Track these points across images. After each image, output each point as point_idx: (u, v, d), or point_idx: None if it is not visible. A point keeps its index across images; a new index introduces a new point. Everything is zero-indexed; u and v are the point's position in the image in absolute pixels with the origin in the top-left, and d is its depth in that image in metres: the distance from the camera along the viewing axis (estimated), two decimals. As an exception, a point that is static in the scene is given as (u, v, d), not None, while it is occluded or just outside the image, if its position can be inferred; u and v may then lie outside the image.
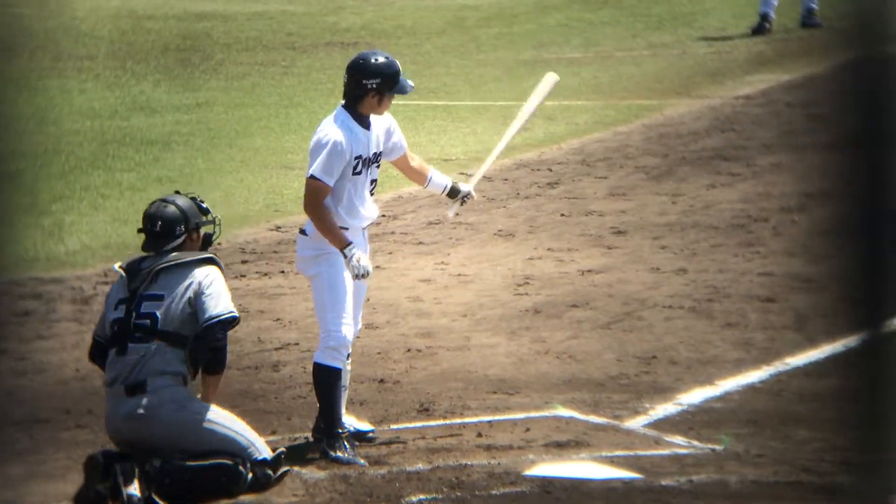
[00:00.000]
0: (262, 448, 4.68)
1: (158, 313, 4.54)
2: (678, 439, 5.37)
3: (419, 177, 5.33)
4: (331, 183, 5.09)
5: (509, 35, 14.20)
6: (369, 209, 5.21)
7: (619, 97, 11.71)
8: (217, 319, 4.55)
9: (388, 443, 5.32)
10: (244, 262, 7.93)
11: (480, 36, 14.22)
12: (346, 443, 5.12)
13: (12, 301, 7.20)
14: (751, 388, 5.90)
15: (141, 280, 4.58)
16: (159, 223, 4.66)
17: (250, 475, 4.60)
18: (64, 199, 8.99)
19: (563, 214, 8.67)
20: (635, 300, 7.02)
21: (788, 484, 4.95)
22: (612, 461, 5.15)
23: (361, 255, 5.05)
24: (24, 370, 6.06)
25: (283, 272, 7.71)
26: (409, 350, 6.31)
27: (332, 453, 5.12)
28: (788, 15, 13.96)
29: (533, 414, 5.57)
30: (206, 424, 4.54)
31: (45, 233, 8.44)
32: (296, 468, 5.02)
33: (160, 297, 4.56)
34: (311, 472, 5.02)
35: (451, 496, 4.84)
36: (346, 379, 5.26)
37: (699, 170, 9.50)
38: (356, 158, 5.11)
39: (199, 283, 4.56)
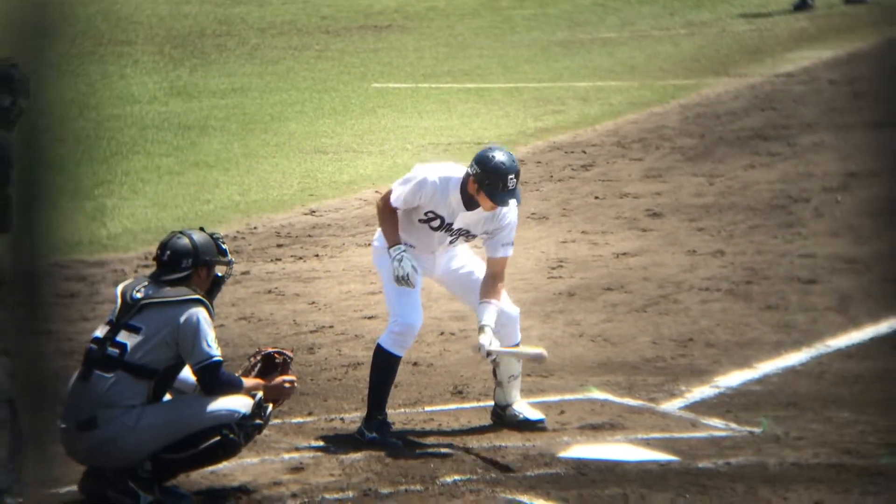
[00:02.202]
0: (237, 405, 4.65)
1: (130, 345, 4.60)
2: (715, 422, 5.30)
3: (482, 293, 5.15)
4: (399, 206, 5.13)
5: (543, 16, 14.07)
6: (438, 250, 5.19)
7: (655, 77, 11.56)
8: (197, 367, 4.61)
9: (423, 424, 5.35)
10: (279, 245, 7.98)
11: (514, 17, 14.10)
12: (382, 424, 5.16)
13: (57, 283, 7.33)
14: (791, 371, 5.81)
15: (127, 310, 4.65)
16: (168, 253, 4.70)
17: (242, 435, 4.64)
18: (106, 184, 9.12)
19: (597, 197, 8.57)
20: (671, 283, 6.95)
21: (830, 466, 4.87)
22: (648, 443, 5.12)
23: (405, 259, 5.07)
24: (70, 350, 6.19)
25: (317, 256, 7.76)
26: (442, 333, 6.33)
27: (369, 434, 5.12)
28: (831, -9, 13.78)
29: (567, 396, 5.54)
30: (171, 426, 4.58)
31: (88, 217, 8.58)
32: (332, 448, 5.08)
33: (137, 330, 4.62)
34: (348, 453, 5.07)
35: (486, 477, 4.84)
36: (517, 368, 5.20)
37: (737, 150, 9.34)
38: (433, 213, 5.12)
39: (179, 327, 4.59)
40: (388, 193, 5.16)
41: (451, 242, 5.20)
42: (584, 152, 9.62)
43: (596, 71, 12.09)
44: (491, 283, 5.17)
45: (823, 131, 9.86)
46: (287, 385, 4.79)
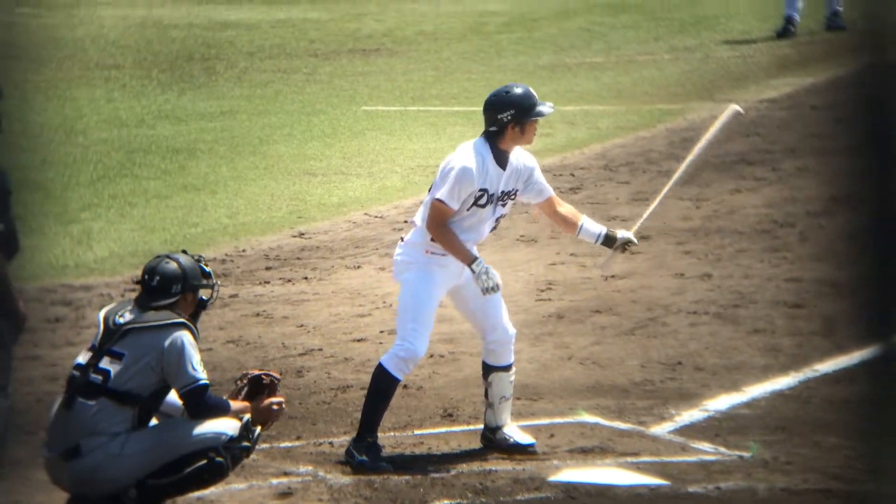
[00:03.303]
0: (224, 428, 4.64)
1: (112, 372, 4.57)
2: (705, 446, 5.34)
3: (568, 225, 5.23)
4: (454, 206, 5.09)
5: (530, 40, 14.21)
6: (478, 239, 5.17)
7: (642, 102, 11.67)
8: (183, 391, 4.58)
9: (413, 448, 5.34)
10: (268, 268, 7.98)
11: (501, 41, 14.23)
12: (372, 448, 5.14)
13: (43, 308, 7.29)
14: (779, 395, 5.86)
15: (109, 336, 4.62)
16: (157, 279, 4.67)
17: (229, 458, 4.61)
18: (92, 207, 9.10)
19: (585, 219, 8.74)
20: (659, 306, 7.00)
21: (818, 491, 4.91)
22: (638, 467, 5.13)
23: (489, 269, 5.05)
24: (55, 376, 6.15)
25: (306, 278, 7.76)
26: (432, 356, 6.33)
27: (358, 456, 5.14)
28: (813, 17, 13.83)
29: (557, 420, 5.57)
30: (157, 451, 4.56)
31: (74, 240, 8.53)
32: (321, 473, 5.05)
33: (120, 356, 4.59)
34: (337, 477, 5.04)
35: (476, 502, 4.85)
36: (509, 389, 5.20)
37: (723, 174, 9.44)
38: (481, 191, 5.10)
39: (164, 351, 4.58)
40: (435, 211, 5.07)
41: (498, 215, 5.15)
42: (573, 175, 9.69)
43: (582, 95, 12.18)
44: (568, 211, 5.20)
45: (807, 156, 9.99)
46: (275, 407, 4.75)
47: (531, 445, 5.28)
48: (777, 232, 8.27)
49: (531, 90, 5.14)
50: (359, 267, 7.97)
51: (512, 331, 5.27)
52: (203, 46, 14.31)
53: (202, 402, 4.58)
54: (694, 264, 7.72)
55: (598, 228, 5.23)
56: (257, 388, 4.81)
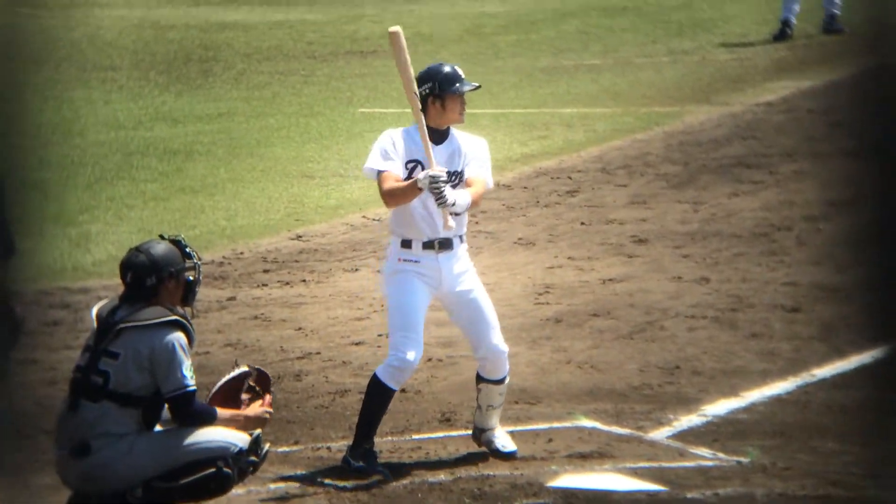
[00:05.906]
0: (235, 439, 4.63)
1: (112, 373, 4.55)
2: (703, 451, 5.35)
3: None
4: (390, 168, 5.08)
5: (527, 42, 14.22)
6: (435, 226, 5.13)
7: (639, 104, 11.67)
8: (169, 395, 4.55)
9: (411, 452, 5.34)
10: (266, 270, 7.98)
11: (499, 43, 14.24)
12: (368, 454, 5.14)
13: (41, 311, 7.27)
14: (777, 400, 5.86)
15: (104, 334, 4.59)
16: (129, 274, 4.63)
17: (236, 470, 4.60)
18: (90, 210, 9.09)
19: (583, 223, 8.64)
20: (657, 310, 6.99)
21: (816, 497, 4.93)
22: (636, 473, 5.14)
23: (424, 171, 5.02)
24: (53, 380, 6.13)
25: (304, 281, 7.76)
26: (430, 359, 6.32)
27: (355, 462, 5.15)
28: (810, 21, 13.89)
29: (555, 424, 5.58)
30: (167, 453, 4.56)
31: (72, 243, 8.53)
32: (319, 478, 5.05)
33: (116, 356, 4.56)
34: (334, 482, 5.05)
35: (474, 507, 4.84)
36: (497, 400, 5.21)
37: (720, 178, 9.45)
38: (412, 162, 5.11)
39: (154, 352, 4.55)
40: (379, 182, 5.08)
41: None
42: (570, 178, 9.67)
43: (580, 97, 12.14)
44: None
45: (803, 160, 10.03)
46: (266, 416, 4.73)
47: (512, 453, 5.28)
48: (774, 235, 8.28)
49: (457, 68, 5.20)
50: (356, 270, 7.95)
51: (503, 348, 5.26)
52: (200, 48, 14.28)
53: (188, 409, 4.56)
54: (691, 268, 7.71)
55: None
56: (240, 387, 4.78)
